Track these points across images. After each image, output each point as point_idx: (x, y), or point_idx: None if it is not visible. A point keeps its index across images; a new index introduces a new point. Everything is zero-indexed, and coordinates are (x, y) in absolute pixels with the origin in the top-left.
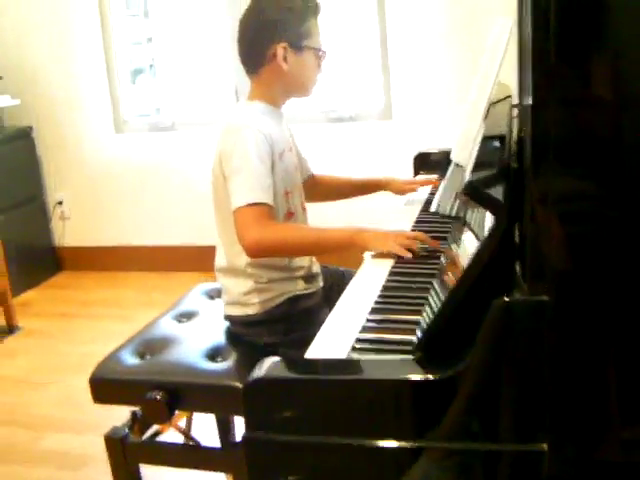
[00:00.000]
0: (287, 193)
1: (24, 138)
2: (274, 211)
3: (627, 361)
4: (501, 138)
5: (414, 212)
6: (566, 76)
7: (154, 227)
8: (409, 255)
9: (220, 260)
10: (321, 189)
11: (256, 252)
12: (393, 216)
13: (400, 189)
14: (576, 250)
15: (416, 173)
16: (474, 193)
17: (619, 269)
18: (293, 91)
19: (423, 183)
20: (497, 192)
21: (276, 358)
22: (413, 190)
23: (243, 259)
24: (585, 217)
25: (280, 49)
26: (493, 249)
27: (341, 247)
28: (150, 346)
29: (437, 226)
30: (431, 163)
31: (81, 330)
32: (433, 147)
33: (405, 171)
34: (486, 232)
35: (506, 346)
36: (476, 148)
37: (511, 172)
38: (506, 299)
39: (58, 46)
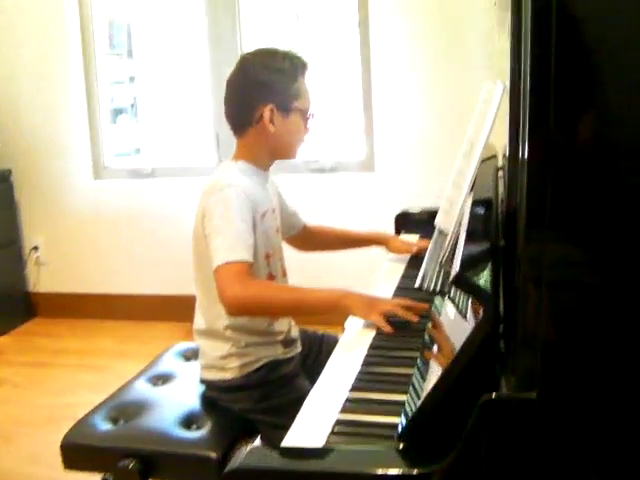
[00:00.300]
0: (268, 256)
1: (2, 181)
2: (255, 269)
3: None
4: (487, 202)
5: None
6: (564, 140)
7: (130, 275)
8: (389, 330)
9: (198, 321)
10: (316, 239)
11: (236, 310)
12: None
13: (397, 249)
14: (570, 332)
15: (397, 232)
16: (463, 286)
17: (618, 354)
18: (279, 153)
19: (421, 247)
20: (486, 280)
21: (254, 445)
22: (410, 252)
23: (222, 322)
24: (581, 291)
25: (267, 111)
26: (481, 340)
27: (325, 310)
28: (124, 411)
29: (419, 294)
30: (413, 222)
31: (53, 380)
32: (415, 206)
33: (387, 224)
34: (470, 316)
35: (493, 444)
36: (465, 226)
37: (499, 250)
38: (492, 396)
39: (39, 88)
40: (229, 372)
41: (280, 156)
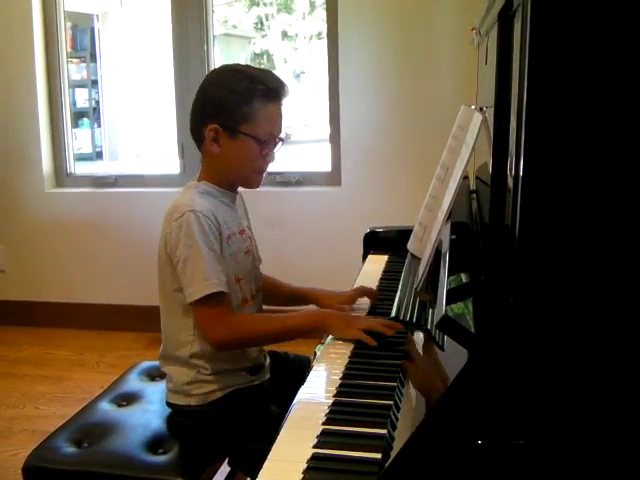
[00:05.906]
0: (238, 280)
1: None
2: (230, 297)
3: None
4: (464, 229)
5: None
6: (559, 165)
7: (91, 284)
8: (372, 342)
9: (164, 348)
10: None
11: (224, 347)
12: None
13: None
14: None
15: (366, 252)
16: (449, 330)
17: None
18: (232, 178)
19: (355, 298)
20: (470, 318)
21: None
22: (344, 310)
23: (187, 349)
24: (571, 341)
25: (210, 130)
26: (466, 386)
27: (305, 332)
28: (88, 433)
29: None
30: (381, 241)
31: (10, 391)
32: (381, 225)
33: (353, 239)
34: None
35: None
36: (446, 260)
37: (483, 283)
38: (479, 442)
39: None
40: (194, 399)
41: (235, 182)
